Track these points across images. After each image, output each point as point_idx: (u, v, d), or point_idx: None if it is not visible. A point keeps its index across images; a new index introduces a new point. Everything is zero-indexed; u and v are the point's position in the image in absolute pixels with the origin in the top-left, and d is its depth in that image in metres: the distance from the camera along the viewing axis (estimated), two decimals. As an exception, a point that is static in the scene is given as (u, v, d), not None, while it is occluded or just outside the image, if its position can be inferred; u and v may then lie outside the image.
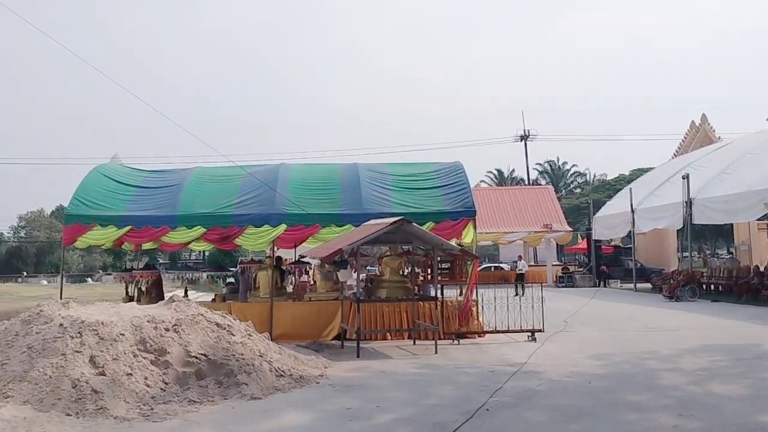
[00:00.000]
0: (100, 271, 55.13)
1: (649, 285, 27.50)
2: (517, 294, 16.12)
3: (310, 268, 15.63)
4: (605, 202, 34.27)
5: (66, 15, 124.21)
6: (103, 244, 15.49)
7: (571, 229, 35.83)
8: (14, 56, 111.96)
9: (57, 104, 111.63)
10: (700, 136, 35.38)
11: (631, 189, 28.20)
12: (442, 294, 12.42)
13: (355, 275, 12.22)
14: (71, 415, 6.63)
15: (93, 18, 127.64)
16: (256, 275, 13.95)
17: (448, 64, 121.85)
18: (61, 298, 11.66)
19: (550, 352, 10.77)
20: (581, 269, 34.13)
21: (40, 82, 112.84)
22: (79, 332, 7.89)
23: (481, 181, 63.56)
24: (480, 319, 12.96)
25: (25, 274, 53.78)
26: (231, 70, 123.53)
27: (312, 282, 15.53)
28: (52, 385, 7.09)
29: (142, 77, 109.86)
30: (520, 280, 23.98)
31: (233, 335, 8.94)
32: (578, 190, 66.00)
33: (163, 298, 11.25)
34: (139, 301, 13.96)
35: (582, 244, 40.23)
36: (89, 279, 49.35)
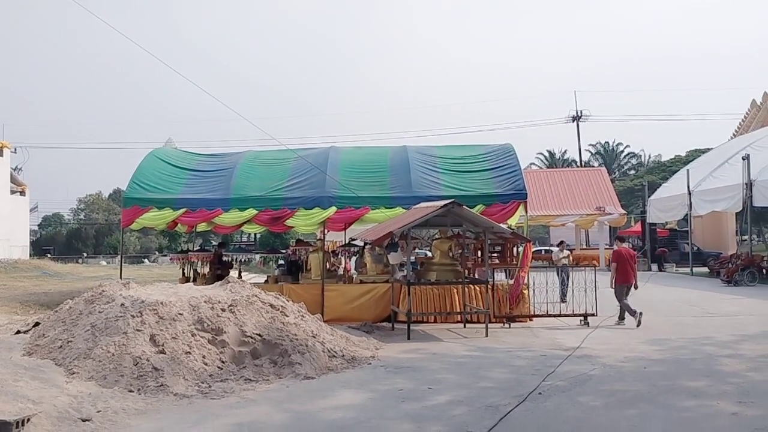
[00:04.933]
0: (156, 253, 56.72)
1: (705, 269, 26.73)
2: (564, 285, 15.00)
3: (351, 254, 15.73)
4: (660, 184, 33.35)
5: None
6: (158, 226, 15.93)
7: (624, 212, 34.97)
8: (72, 44, 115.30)
9: (113, 89, 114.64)
10: (761, 115, 33.92)
11: (688, 170, 27.35)
12: (492, 277, 12.34)
13: (405, 258, 12.25)
14: (133, 392, 6.86)
15: (153, 2, 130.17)
16: (307, 257, 14.12)
17: (498, 44, 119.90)
18: (121, 279, 12.09)
19: (603, 337, 10.61)
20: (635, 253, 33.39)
21: (95, 67, 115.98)
22: (139, 311, 8.15)
23: (531, 164, 62.62)
24: (530, 302, 12.84)
25: (85, 255, 55.69)
26: (290, 56, 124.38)
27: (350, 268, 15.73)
28: (115, 362, 7.36)
29: (197, 63, 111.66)
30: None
31: (287, 316, 9.10)
32: (632, 172, 64.36)
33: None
34: (195, 281, 14.33)
35: (636, 227, 39.30)
36: (146, 260, 50.84)
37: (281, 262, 16.66)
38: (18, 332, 9.74)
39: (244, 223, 14.86)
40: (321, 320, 10.10)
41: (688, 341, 10.15)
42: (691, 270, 26.84)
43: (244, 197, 13.82)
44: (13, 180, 33.13)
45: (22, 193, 35.03)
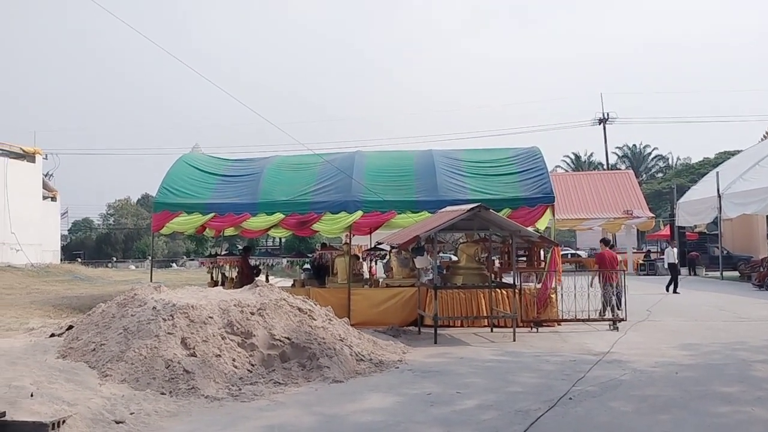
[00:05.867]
0: (184, 257, 57.40)
1: (736, 273, 26.25)
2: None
3: (378, 258, 15.76)
4: (689, 187, 32.88)
5: (151, 8, 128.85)
6: (187, 231, 16.14)
7: (652, 215, 34.49)
8: (101, 50, 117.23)
9: (142, 96, 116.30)
10: (794, 116, 33.27)
11: (717, 173, 26.93)
12: (519, 281, 12.28)
13: (431, 262, 12.25)
14: (165, 394, 6.96)
15: (178, 10, 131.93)
16: (333, 261, 14.19)
17: (521, 45, 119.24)
18: (151, 282, 12.26)
19: (633, 342, 10.49)
20: (663, 257, 32.92)
21: (124, 74, 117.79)
22: (171, 315, 8.27)
23: (557, 166, 62.18)
24: (559, 306, 12.75)
25: (114, 259, 56.62)
26: (317, 62, 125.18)
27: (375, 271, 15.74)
28: (147, 365, 7.47)
29: (224, 69, 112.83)
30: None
31: (314, 319, 9.15)
32: (660, 175, 63.57)
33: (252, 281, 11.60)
34: (223, 285, 14.48)
35: (664, 230, 38.77)
36: (174, 264, 51.54)
37: (307, 266, 16.74)
38: (52, 335, 9.93)
39: (272, 227, 14.99)
40: (348, 324, 10.13)
41: (720, 346, 9.98)
42: (722, 274, 26.38)
43: (271, 202, 13.94)
44: (44, 186, 33.79)
45: (53, 198, 35.71)
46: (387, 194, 13.73)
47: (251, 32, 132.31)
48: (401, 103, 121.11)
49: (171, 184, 14.57)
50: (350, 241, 14.47)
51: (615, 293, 12.68)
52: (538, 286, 12.71)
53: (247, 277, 14.64)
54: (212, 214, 14.00)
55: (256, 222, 14.15)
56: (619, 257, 15.15)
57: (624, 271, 14.17)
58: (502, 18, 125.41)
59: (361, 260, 15.22)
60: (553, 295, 12.52)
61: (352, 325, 10.48)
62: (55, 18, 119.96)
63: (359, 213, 13.52)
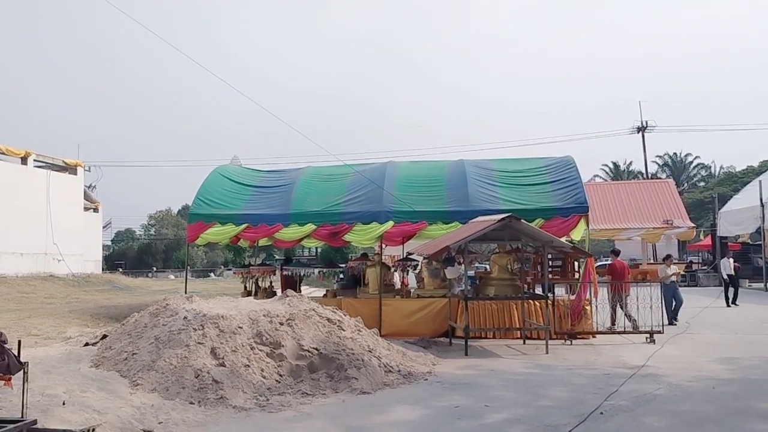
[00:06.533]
0: (222, 267, 58.18)
1: (781, 285, 25.43)
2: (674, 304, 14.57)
3: (410, 268, 15.70)
4: (731, 196, 32.02)
5: (181, 20, 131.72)
6: (222, 241, 16.35)
7: (693, 225, 33.63)
8: (141, 67, 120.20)
9: (182, 109, 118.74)
10: (842, 122, 32.17)
11: (760, 181, 26.17)
12: (552, 292, 12.10)
13: (462, 272, 12.15)
14: (194, 404, 7.02)
15: (213, 24, 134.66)
16: (365, 271, 14.19)
17: (561, 53, 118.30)
18: (185, 293, 12.44)
19: (670, 355, 10.21)
20: (705, 267, 32.09)
21: (163, 87, 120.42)
22: (201, 325, 8.36)
23: (595, 176, 61.22)
24: (594, 318, 12.51)
25: (154, 269, 57.67)
26: (350, 70, 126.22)
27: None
28: (177, 374, 7.55)
29: (260, 83, 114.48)
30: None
31: (343, 330, 9.15)
32: (702, 184, 62.09)
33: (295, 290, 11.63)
34: (256, 295, 14.60)
35: (706, 240, 37.79)
36: (212, 274, 52.25)
37: (341, 276, 16.76)
38: (86, 344, 10.14)
39: (304, 237, 15.08)
40: (378, 335, 10.10)
41: (762, 360, 9.65)
42: (765, 285, 25.58)
43: (303, 212, 14.05)
44: (86, 197, 34.64)
45: (96, 209, 36.60)
46: (418, 204, 13.70)
47: (296, 41, 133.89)
48: (442, 109, 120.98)
49: (206, 196, 14.81)
50: (381, 251, 14.46)
51: (625, 304, 12.81)
52: (572, 297, 12.50)
53: (289, 287, 14.72)
54: (245, 225, 14.17)
55: (289, 233, 14.25)
56: (649, 268, 14.91)
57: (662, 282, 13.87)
58: (540, 27, 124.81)
59: (392, 270, 15.18)
60: (588, 307, 12.29)
61: (382, 336, 10.45)
62: (97, 32, 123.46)
63: (390, 223, 13.51)
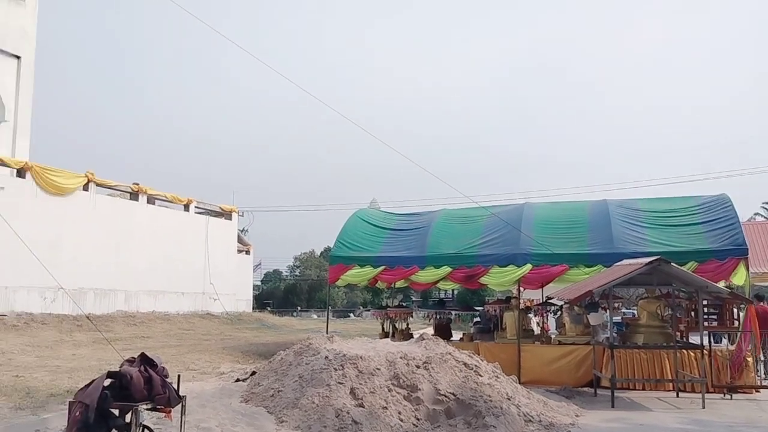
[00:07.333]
0: (361, 308, 59.53)
1: None
2: None
3: (550, 313, 15.19)
4: None
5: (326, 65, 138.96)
6: (360, 283, 16.82)
7: None
8: (278, 114, 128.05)
9: (323, 158, 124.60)
10: None
11: None
12: (709, 342, 11.17)
13: (607, 319, 11.58)
14: (333, 443, 7.19)
15: (352, 69, 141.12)
16: (502, 315, 13.93)
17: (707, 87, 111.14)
18: (326, 332, 12.88)
19: None
20: None
21: (305, 136, 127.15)
22: (341, 365, 8.60)
23: (756, 214, 56.09)
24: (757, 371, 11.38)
25: (299, 308, 60.15)
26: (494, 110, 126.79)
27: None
28: (319, 413, 7.78)
29: (396, 129, 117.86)
30: None
31: (481, 376, 9.01)
32: None
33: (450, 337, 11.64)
34: (393, 337, 14.79)
35: None
36: (351, 314, 53.61)
37: (477, 319, 16.58)
38: (237, 380, 10.74)
39: (439, 280, 15.13)
40: (517, 382, 9.84)
41: None
42: None
43: (438, 255, 14.15)
44: (239, 240, 37.05)
45: (248, 252, 39.00)
46: (558, 247, 13.30)
47: (433, 89, 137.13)
48: (571, 151, 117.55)
49: (345, 239, 15.39)
50: (519, 295, 14.14)
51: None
52: (732, 347, 11.46)
53: (441, 330, 14.85)
54: (383, 267, 14.52)
55: (425, 275, 14.38)
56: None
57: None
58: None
59: (531, 315, 14.79)
60: (749, 358, 11.20)
61: (521, 383, 10.17)
62: (258, 92, 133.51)
63: (528, 266, 13.20)
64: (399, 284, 17.36)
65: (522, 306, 14.44)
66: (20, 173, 20.12)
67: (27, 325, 17.93)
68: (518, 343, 12.75)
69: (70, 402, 5.43)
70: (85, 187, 22.19)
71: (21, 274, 18.41)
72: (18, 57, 24.37)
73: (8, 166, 20.14)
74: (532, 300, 19.33)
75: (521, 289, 14.66)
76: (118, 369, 5.75)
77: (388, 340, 12.06)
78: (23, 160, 21.01)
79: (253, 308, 38.72)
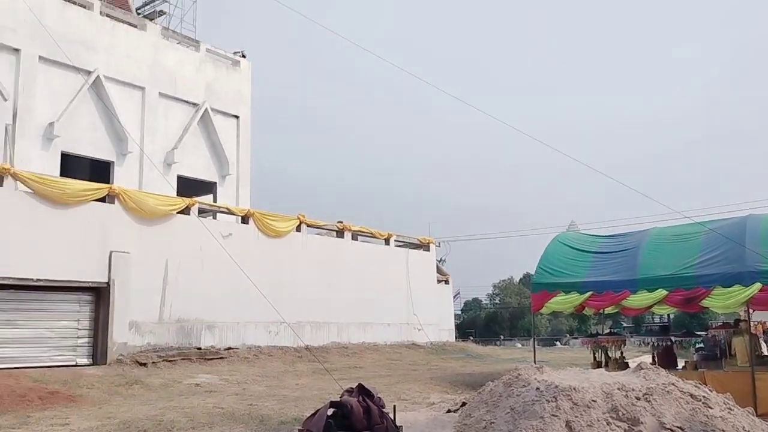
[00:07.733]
0: (567, 336, 57.36)
1: None
2: None
3: None
4: None
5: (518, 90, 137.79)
6: (566, 310, 16.30)
7: None
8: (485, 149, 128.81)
9: (517, 180, 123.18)
10: None
11: None
12: None
13: None
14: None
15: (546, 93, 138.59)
16: (730, 341, 12.65)
17: None
18: (534, 362, 12.63)
19: None
20: None
21: (500, 160, 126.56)
22: (554, 396, 8.38)
23: None
24: None
25: (501, 337, 59.57)
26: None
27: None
28: (533, 446, 7.65)
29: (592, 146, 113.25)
30: None
31: (711, 408, 8.26)
32: None
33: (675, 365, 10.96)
34: (606, 366, 14.07)
35: None
36: (557, 343, 51.84)
37: (699, 345, 15.23)
38: (449, 411, 10.92)
39: (654, 304, 14.19)
40: (753, 414, 8.85)
41: None
42: None
43: (651, 277, 13.28)
44: (438, 271, 37.72)
45: (447, 281, 39.58)
46: (793, 262, 11.84)
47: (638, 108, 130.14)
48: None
49: (547, 264, 15.04)
50: (749, 318, 12.74)
51: None
52: None
53: (663, 357, 13.97)
54: (590, 293, 13.95)
55: (637, 300, 13.58)
56: None
57: None
58: None
59: (762, 340, 13.26)
60: None
61: (758, 416, 9.13)
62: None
63: (757, 285, 11.88)
64: (608, 310, 16.56)
65: (753, 330, 13.01)
66: (244, 220, 22.47)
67: (256, 357, 19.82)
68: (752, 371, 11.49)
69: (299, 430, 5.93)
70: (298, 228, 24.17)
71: (249, 310, 20.45)
72: (237, 117, 27.57)
73: (234, 214, 22.63)
74: (764, 322, 17.31)
75: (750, 310, 13.22)
76: (339, 399, 6.19)
77: (602, 370, 11.50)
78: (246, 208, 23.49)
79: (455, 338, 39.07)
